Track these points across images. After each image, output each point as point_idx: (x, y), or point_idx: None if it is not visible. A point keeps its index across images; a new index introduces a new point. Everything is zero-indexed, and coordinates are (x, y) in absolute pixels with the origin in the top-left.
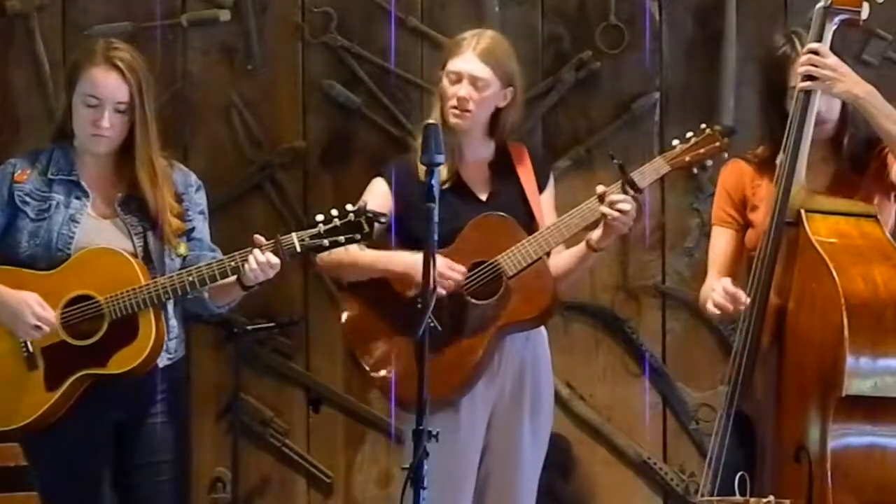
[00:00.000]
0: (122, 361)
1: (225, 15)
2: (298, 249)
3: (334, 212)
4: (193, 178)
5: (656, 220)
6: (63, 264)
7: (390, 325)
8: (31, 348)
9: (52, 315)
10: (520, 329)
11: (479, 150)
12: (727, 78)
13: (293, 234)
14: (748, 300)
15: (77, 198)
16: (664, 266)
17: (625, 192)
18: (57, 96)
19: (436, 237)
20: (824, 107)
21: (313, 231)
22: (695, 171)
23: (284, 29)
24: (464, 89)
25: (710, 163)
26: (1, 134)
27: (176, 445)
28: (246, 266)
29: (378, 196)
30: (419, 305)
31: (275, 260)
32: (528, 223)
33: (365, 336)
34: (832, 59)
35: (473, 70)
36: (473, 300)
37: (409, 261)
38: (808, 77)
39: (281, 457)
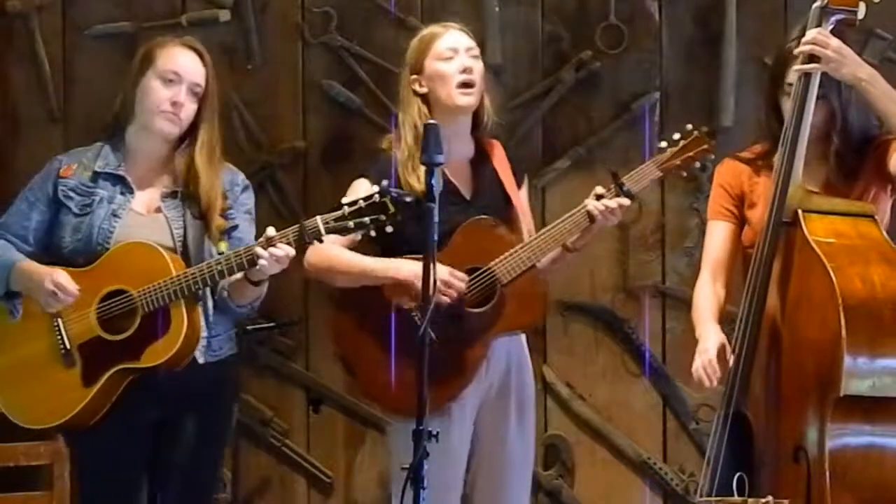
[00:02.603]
0: (155, 354)
1: (225, 15)
2: (323, 233)
3: (362, 194)
4: (241, 178)
5: (656, 220)
6: (98, 260)
7: (381, 335)
8: (67, 345)
9: (71, 285)
10: (513, 335)
11: (464, 148)
12: (727, 78)
13: (318, 218)
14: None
15: (122, 193)
16: (664, 266)
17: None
18: (57, 96)
19: (435, 237)
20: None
21: (338, 213)
22: (683, 174)
23: (284, 29)
24: (467, 60)
25: (698, 164)
26: (1, 134)
27: (211, 445)
28: (262, 262)
29: None
30: (414, 315)
31: (291, 251)
32: (510, 220)
33: (356, 347)
34: (835, 42)
35: (465, 42)
36: (470, 309)
37: (415, 269)
38: (811, 59)
39: (281, 457)
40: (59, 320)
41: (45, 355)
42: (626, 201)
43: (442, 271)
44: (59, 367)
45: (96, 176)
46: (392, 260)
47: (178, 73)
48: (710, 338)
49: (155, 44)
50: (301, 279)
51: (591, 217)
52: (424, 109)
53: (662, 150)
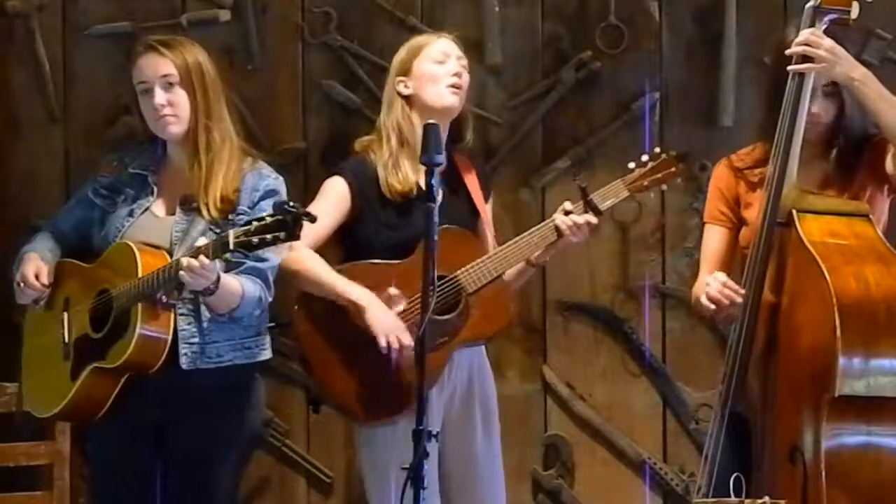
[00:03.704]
0: (116, 355)
1: (225, 15)
2: (231, 247)
3: (270, 210)
4: (267, 182)
5: (656, 220)
6: (101, 257)
7: (343, 341)
8: (66, 339)
9: (34, 281)
10: (476, 344)
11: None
12: (727, 78)
13: (230, 231)
14: (743, 295)
15: (144, 194)
16: (664, 266)
17: (584, 212)
18: (57, 96)
19: (435, 237)
20: (820, 108)
21: (246, 228)
22: (651, 195)
23: (284, 29)
24: (458, 67)
25: (664, 187)
26: (1, 134)
27: (212, 450)
28: (182, 273)
29: (338, 195)
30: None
31: (206, 262)
32: (477, 232)
33: (320, 352)
34: (828, 42)
35: (457, 50)
36: (435, 316)
37: (362, 296)
38: (804, 59)
39: (281, 457)
40: (65, 313)
41: (53, 346)
42: (593, 219)
43: (398, 326)
44: (60, 359)
45: (130, 176)
46: (349, 283)
47: (145, 80)
48: (709, 276)
49: (131, 63)
50: None
51: (558, 231)
52: (408, 110)
53: (631, 169)
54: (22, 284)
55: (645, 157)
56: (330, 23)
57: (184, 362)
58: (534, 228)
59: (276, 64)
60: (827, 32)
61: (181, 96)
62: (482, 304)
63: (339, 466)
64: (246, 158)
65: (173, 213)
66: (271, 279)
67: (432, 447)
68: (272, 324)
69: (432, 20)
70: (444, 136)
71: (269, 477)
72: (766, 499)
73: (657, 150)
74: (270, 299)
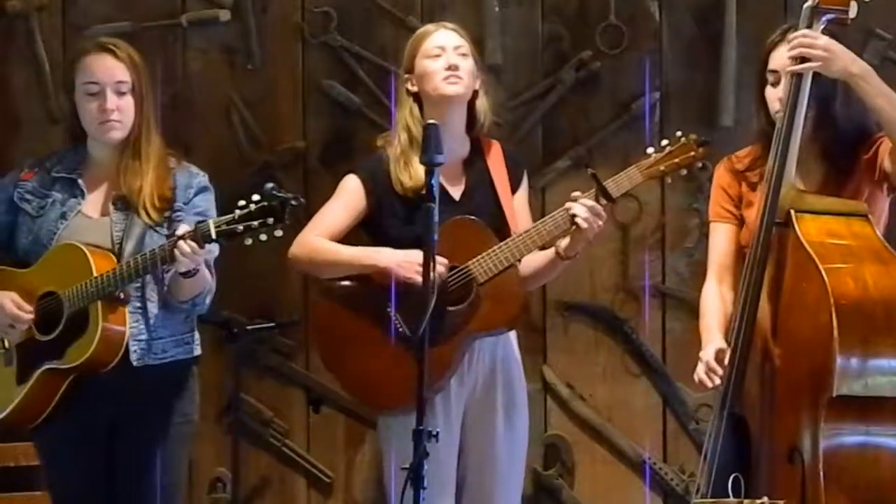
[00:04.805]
0: (76, 354)
1: (225, 15)
2: (214, 236)
3: (255, 197)
4: (199, 180)
5: (656, 220)
6: (38, 261)
7: (361, 330)
8: (6, 344)
9: (25, 315)
10: (489, 335)
11: (457, 147)
12: (727, 78)
13: (210, 221)
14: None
15: (74, 196)
16: (664, 266)
17: (597, 201)
18: (57, 96)
19: (435, 237)
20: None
21: (229, 217)
22: (668, 180)
23: (284, 29)
24: (451, 58)
25: (684, 171)
26: (1, 134)
27: (161, 447)
28: (177, 253)
29: (351, 193)
30: (388, 310)
31: (195, 247)
32: (499, 223)
33: (336, 341)
34: (824, 40)
35: (454, 40)
36: (445, 306)
37: (395, 256)
38: (801, 60)
39: (281, 457)
40: None
41: None
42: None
43: (418, 257)
44: (0, 365)
45: (53, 180)
46: (372, 248)
47: (96, 82)
48: (709, 346)
49: (74, 57)
50: (300, 279)
51: (572, 218)
52: (416, 109)
53: (648, 155)
54: (14, 325)
55: (665, 142)
56: (330, 23)
57: (134, 359)
58: (546, 217)
59: (276, 64)
60: (825, 33)
61: (130, 104)
62: (494, 295)
63: (339, 466)
64: (170, 158)
65: (106, 214)
66: (213, 268)
67: (451, 439)
68: (272, 324)
69: (432, 20)
70: (461, 125)
71: (269, 477)
72: (765, 499)
73: (678, 133)
74: (213, 289)
